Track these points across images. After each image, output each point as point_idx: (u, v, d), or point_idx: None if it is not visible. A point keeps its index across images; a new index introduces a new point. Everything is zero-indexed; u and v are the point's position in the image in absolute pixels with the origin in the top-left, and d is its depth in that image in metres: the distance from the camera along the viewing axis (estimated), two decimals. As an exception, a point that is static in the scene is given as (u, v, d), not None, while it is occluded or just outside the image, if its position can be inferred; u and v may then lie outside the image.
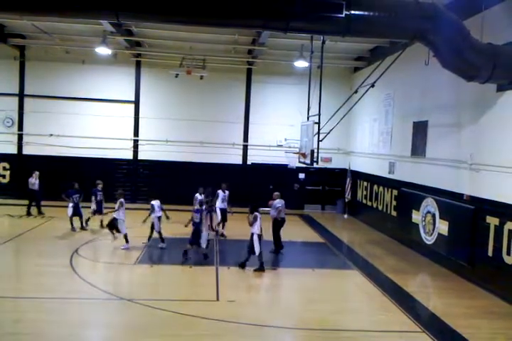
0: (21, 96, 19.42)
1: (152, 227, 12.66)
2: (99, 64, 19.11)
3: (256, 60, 19.21)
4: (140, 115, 19.93)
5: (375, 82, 10.70)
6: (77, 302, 8.70)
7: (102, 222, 14.68)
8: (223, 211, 14.40)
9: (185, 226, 11.66)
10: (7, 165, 19.51)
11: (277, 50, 17.71)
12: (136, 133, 19.97)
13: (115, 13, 8.39)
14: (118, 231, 12.64)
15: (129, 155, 19.98)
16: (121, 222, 12.49)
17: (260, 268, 10.88)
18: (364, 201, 18.30)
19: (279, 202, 12.82)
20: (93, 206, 14.65)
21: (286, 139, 19.92)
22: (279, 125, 19.96)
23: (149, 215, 12.62)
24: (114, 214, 12.54)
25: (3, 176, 19.52)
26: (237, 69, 19.80)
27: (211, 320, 7.94)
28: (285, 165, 20.19)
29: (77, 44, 17.80)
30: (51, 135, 19.32)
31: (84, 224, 14.69)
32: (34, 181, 16.55)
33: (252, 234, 10.93)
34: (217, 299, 9.08)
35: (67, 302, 8.64)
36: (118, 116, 19.76)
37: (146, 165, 20.07)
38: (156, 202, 12.70)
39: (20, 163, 19.48)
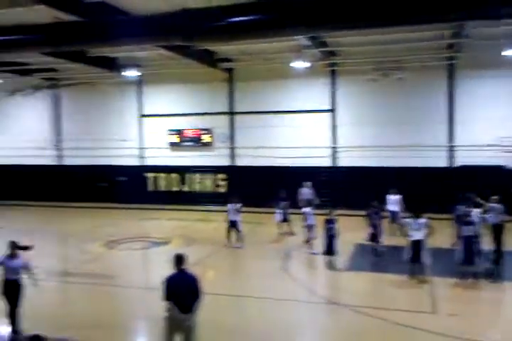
0: (232, 113, 21.67)
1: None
2: (298, 77, 20.06)
3: (458, 53, 17.75)
4: (337, 122, 20.27)
5: None
6: (290, 304, 9.22)
7: (290, 229, 15.39)
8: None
9: None
10: (224, 176, 21.93)
11: (481, 40, 16.05)
12: (334, 140, 20.37)
13: (312, 28, 8.79)
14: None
15: (328, 162, 20.47)
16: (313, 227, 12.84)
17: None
18: None
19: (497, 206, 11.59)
20: (278, 216, 15.45)
21: (501, 137, 17.84)
22: (490, 121, 18.02)
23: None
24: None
25: (221, 186, 21.96)
26: (436, 66, 18.59)
27: (428, 332, 7.56)
28: (500, 166, 18.07)
29: (277, 61, 19.04)
30: (259, 147, 21.05)
31: (292, 230, 15.53)
32: (307, 191, 17.27)
33: None
34: (434, 311, 8.58)
35: (281, 303, 9.22)
36: (316, 125, 20.45)
37: (345, 171, 20.25)
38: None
39: (234, 173, 21.70)
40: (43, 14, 11.99)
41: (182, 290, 6.10)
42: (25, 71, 21.11)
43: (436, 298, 9.26)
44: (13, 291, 7.71)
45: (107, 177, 23.18)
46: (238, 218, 14.29)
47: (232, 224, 14.27)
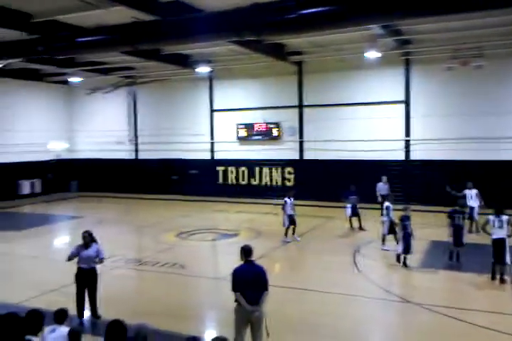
0: (301, 107, 21.54)
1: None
2: (369, 68, 19.54)
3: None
4: (411, 114, 19.51)
5: None
6: (360, 299, 9.04)
7: (360, 224, 15.02)
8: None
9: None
10: (291, 170, 21.91)
11: None
12: (407, 133, 19.65)
13: (387, 16, 8.49)
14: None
15: (400, 155, 19.79)
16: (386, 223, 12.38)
17: None
18: None
19: None
20: (348, 211, 15.12)
21: None
22: None
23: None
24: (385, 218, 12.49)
25: (289, 180, 21.97)
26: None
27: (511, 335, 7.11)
28: None
29: (348, 52, 18.62)
30: (327, 140, 20.78)
31: (362, 225, 15.22)
32: (383, 186, 16.73)
33: None
34: (517, 313, 8.07)
35: (350, 298, 9.07)
36: (388, 117, 19.81)
37: (418, 165, 19.48)
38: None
39: (302, 167, 21.60)
40: (122, 15, 12.59)
41: (249, 282, 6.15)
42: (104, 70, 22.29)
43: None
44: (87, 279, 8.07)
45: (180, 171, 24.00)
46: (294, 212, 13.98)
47: (292, 219, 13.86)
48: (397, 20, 10.79)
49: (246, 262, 6.32)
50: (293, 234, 13.96)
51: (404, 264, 10.90)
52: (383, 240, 12.59)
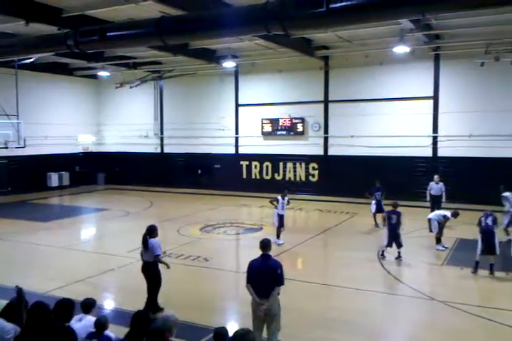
0: (326, 102, 21.35)
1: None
2: (396, 63, 19.24)
3: None
4: (439, 110, 19.13)
5: None
6: (385, 296, 8.99)
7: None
8: None
9: None
10: (316, 165, 21.79)
11: None
12: (435, 129, 19.29)
13: (420, 9, 8.30)
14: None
15: (427, 152, 19.45)
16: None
17: None
18: None
19: None
20: (373, 207, 14.93)
21: None
22: None
23: None
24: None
25: (313, 175, 21.86)
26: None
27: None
28: None
29: (375, 47, 18.36)
30: (352, 136, 20.58)
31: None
32: (435, 185, 15.66)
33: None
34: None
35: (375, 295, 9.01)
36: (415, 113, 19.47)
37: (446, 162, 19.11)
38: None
39: (327, 163, 21.46)
40: (151, 9, 12.72)
41: (262, 275, 6.21)
42: (132, 64, 22.55)
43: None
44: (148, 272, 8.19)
45: (204, 165, 24.15)
46: (285, 213, 13.40)
47: (281, 220, 13.20)
48: (430, 14, 10.52)
49: (262, 255, 6.39)
50: (277, 237, 13.01)
51: (382, 255, 11.35)
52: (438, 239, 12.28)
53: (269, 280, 6.19)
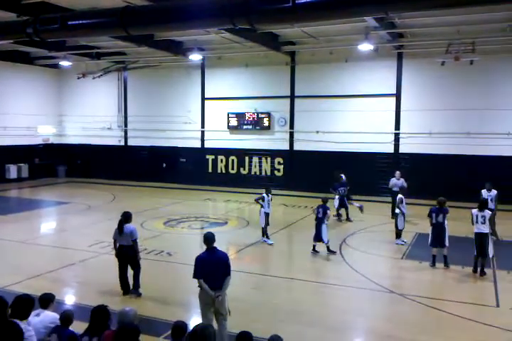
0: (292, 97, 21.50)
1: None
2: (361, 60, 19.55)
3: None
4: (402, 108, 19.60)
5: None
6: (347, 290, 9.16)
7: (347, 215, 15.20)
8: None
9: None
10: (281, 160, 21.94)
11: None
12: (397, 126, 19.75)
13: (384, 8, 8.46)
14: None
15: (390, 148, 19.91)
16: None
17: None
18: None
19: None
20: (336, 202, 15.17)
21: None
22: None
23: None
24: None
25: (278, 170, 22.01)
26: (513, 49, 17.42)
27: (490, 326, 7.28)
28: None
29: (341, 44, 18.61)
30: (317, 132, 20.82)
31: (349, 216, 15.34)
32: (396, 182, 15.29)
33: None
34: (497, 305, 8.24)
35: (337, 289, 9.19)
36: (379, 110, 19.87)
37: (407, 158, 19.62)
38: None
39: (292, 158, 21.64)
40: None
41: (212, 268, 6.38)
42: (96, 54, 22.01)
43: (499, 291, 8.87)
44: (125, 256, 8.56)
45: (169, 158, 23.91)
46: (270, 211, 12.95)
47: (267, 218, 12.72)
48: (394, 12, 10.74)
49: (208, 249, 6.45)
50: (265, 235, 12.73)
51: (314, 250, 11.51)
52: (398, 234, 12.50)
53: (222, 271, 6.38)
